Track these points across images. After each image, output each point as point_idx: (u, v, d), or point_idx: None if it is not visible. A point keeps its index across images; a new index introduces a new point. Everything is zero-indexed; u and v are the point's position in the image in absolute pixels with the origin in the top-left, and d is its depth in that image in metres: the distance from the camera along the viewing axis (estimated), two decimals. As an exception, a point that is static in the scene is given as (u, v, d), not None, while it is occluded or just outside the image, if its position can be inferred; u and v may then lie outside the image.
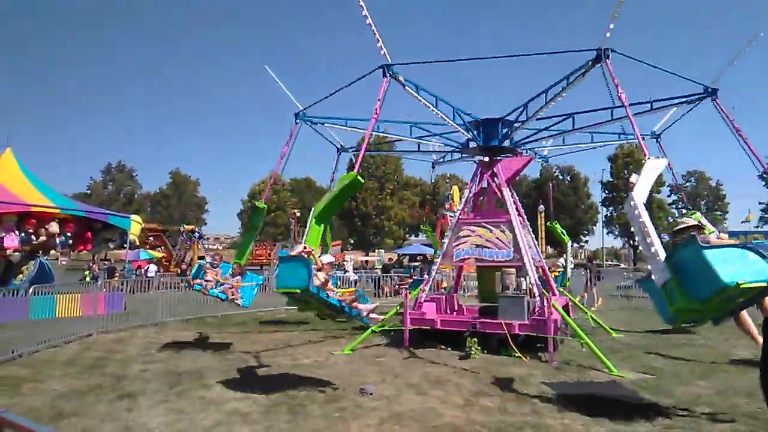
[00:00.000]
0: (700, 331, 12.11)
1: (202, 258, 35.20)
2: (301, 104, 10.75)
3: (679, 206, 71.34)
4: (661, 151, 11.65)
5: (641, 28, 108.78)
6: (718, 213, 69.27)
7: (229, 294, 9.86)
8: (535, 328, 9.02)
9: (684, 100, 9.10)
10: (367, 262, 44.45)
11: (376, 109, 8.27)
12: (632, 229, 6.34)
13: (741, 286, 4.67)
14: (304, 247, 6.63)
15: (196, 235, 37.02)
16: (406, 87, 9.20)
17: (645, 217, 5.85)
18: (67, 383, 6.90)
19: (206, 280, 9.96)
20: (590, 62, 7.89)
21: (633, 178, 6.38)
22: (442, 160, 14.14)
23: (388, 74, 8.55)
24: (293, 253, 6.55)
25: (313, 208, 7.35)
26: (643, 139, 11.59)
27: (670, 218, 68.25)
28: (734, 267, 4.78)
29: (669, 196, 70.12)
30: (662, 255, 5.40)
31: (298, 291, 6.02)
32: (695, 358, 8.79)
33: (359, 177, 7.22)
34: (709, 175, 71.29)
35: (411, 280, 18.90)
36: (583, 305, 14.14)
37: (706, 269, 4.80)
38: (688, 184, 71.75)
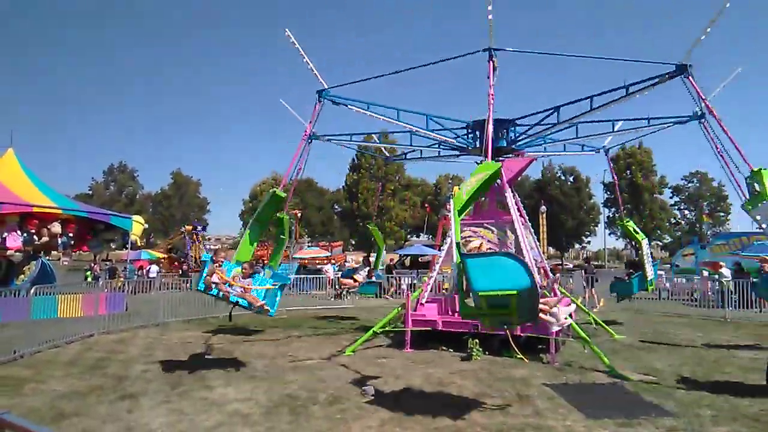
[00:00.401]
0: (702, 332, 12.11)
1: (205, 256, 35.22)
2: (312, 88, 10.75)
3: (682, 207, 71.43)
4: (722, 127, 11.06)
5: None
6: (721, 214, 69.07)
7: (248, 299, 8.44)
8: (536, 329, 8.99)
9: (656, 81, 8.79)
10: (367, 259, 44.38)
11: (306, 129, 9.06)
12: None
13: (481, 295, 4.97)
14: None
15: (199, 228, 36.97)
16: (349, 106, 9.87)
17: (453, 225, 5.86)
18: (69, 384, 6.90)
19: (214, 282, 9.66)
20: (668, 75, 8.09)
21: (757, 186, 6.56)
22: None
23: (321, 99, 9.41)
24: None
25: (453, 200, 7.21)
26: (687, 120, 11.35)
27: (672, 219, 68.22)
28: (485, 275, 4.97)
29: (671, 197, 70.02)
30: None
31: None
32: (697, 360, 8.77)
33: (279, 192, 7.51)
34: (712, 176, 71.10)
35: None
36: (584, 307, 14.11)
37: (468, 278, 5.07)
38: (690, 185, 71.57)
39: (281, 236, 10.66)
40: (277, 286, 8.73)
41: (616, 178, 11.74)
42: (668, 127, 10.78)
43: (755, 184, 7.13)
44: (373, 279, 13.68)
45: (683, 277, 22.27)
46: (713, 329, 12.67)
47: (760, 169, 7.13)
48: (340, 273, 19.17)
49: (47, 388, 6.70)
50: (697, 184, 70.73)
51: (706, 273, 20.34)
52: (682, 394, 6.49)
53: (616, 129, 11.38)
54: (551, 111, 10.18)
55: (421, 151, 13.58)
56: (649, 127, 10.94)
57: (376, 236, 14.24)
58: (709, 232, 60.51)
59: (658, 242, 68.25)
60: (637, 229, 13.49)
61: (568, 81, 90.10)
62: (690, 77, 8.23)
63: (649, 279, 12.61)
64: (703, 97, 8.24)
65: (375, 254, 15.28)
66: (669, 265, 32.92)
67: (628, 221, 13.69)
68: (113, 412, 5.69)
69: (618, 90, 9.02)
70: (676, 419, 5.49)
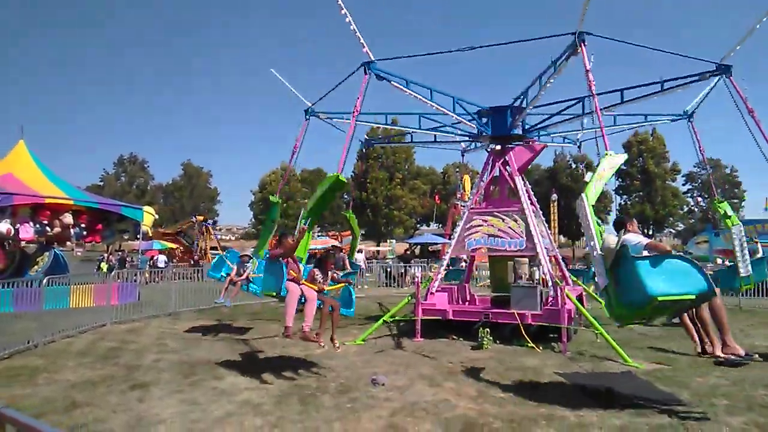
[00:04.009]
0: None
1: (214, 248, 35.35)
2: (311, 98, 10.80)
3: (695, 195, 70.61)
4: (693, 133, 10.98)
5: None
6: (735, 201, 68.24)
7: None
8: (548, 318, 8.93)
9: (695, 78, 8.61)
10: (378, 252, 44.43)
11: (356, 105, 8.51)
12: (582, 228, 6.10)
13: (659, 300, 4.76)
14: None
15: (210, 222, 37.18)
16: (392, 83, 9.36)
17: (591, 218, 5.64)
18: (81, 373, 6.96)
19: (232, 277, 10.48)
20: (568, 48, 7.71)
21: (587, 176, 6.16)
22: (470, 148, 13.94)
23: (368, 72, 8.87)
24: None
25: (302, 211, 7.36)
26: (674, 120, 11.33)
27: (684, 207, 67.49)
28: (662, 279, 4.83)
29: (684, 184, 69.24)
30: (600, 259, 5.43)
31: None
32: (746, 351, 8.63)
33: (341, 177, 7.31)
34: (726, 162, 70.18)
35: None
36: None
37: (636, 280, 4.86)
38: (703, 171, 70.70)
39: (271, 218, 10.85)
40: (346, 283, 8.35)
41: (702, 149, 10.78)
42: (688, 85, 9.93)
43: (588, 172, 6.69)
44: (349, 269, 12.22)
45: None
46: (728, 317, 12.47)
47: (606, 153, 6.29)
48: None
49: (60, 377, 6.76)
50: (710, 171, 69.81)
51: (719, 261, 20.11)
52: (697, 383, 6.40)
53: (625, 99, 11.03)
54: (575, 101, 10.04)
55: (435, 137, 13.39)
56: (663, 93, 10.33)
57: (353, 224, 13.27)
58: (722, 220, 59.78)
59: (671, 230, 67.68)
60: (730, 212, 10.57)
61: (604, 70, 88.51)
62: (731, 78, 8.16)
63: (745, 275, 9.95)
64: (744, 97, 8.11)
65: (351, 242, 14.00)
66: (681, 253, 32.63)
67: (722, 202, 10.75)
68: (124, 401, 5.72)
69: (652, 84, 8.88)
70: (690, 408, 5.41)
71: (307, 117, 11.04)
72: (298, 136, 10.92)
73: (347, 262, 12.57)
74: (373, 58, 8.89)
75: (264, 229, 11.17)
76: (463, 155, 14.58)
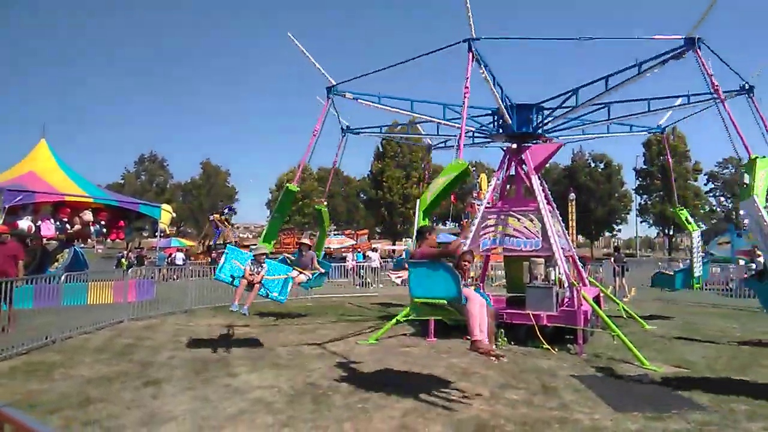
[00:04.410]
0: (737, 323, 11.72)
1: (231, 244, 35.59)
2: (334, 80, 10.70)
3: (717, 194, 69.29)
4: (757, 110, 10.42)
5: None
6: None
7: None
8: (564, 319, 8.81)
9: (668, 56, 8.27)
10: (394, 251, 44.41)
11: (466, 86, 7.90)
12: (757, 238, 6.13)
13: (416, 301, 5.71)
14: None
15: (225, 211, 37.41)
16: (359, 100, 10.25)
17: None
18: (97, 369, 7.03)
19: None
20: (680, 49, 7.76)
21: (746, 178, 6.21)
22: (442, 145, 14.08)
23: (330, 96, 9.85)
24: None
25: (419, 202, 6.89)
26: (727, 98, 10.94)
27: (707, 207, 66.27)
28: (422, 283, 5.70)
29: (706, 184, 67.99)
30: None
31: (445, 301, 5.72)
32: (732, 352, 8.46)
33: (291, 187, 7.48)
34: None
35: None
36: (615, 296, 13.80)
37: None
38: (725, 171, 69.38)
39: (284, 205, 10.57)
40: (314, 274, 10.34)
41: (670, 160, 10.59)
42: (662, 64, 9.88)
43: (746, 175, 6.61)
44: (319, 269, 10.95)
45: (718, 267, 21.57)
46: (749, 320, 12.24)
47: (756, 157, 6.55)
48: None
49: (76, 373, 6.84)
50: (733, 170, 68.50)
51: (742, 262, 19.69)
52: (716, 387, 6.24)
53: (657, 108, 10.89)
54: (569, 94, 9.92)
55: (456, 139, 13.45)
56: (641, 75, 10.17)
57: (325, 218, 12.20)
58: (745, 220, 58.61)
59: (692, 230, 66.43)
60: (691, 219, 12.72)
61: (593, 64, 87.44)
62: (698, 51, 7.85)
63: (696, 276, 11.79)
64: (710, 72, 7.79)
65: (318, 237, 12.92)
66: (703, 254, 32.01)
67: (681, 209, 12.89)
68: (138, 398, 5.76)
69: (631, 68, 8.73)
70: (709, 414, 5.28)
71: (330, 96, 10.46)
72: (320, 117, 10.27)
73: (316, 261, 10.97)
74: (333, 82, 9.88)
75: (275, 219, 10.47)
76: (429, 151, 14.79)
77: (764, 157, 6.42)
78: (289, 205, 10.41)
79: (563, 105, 10.20)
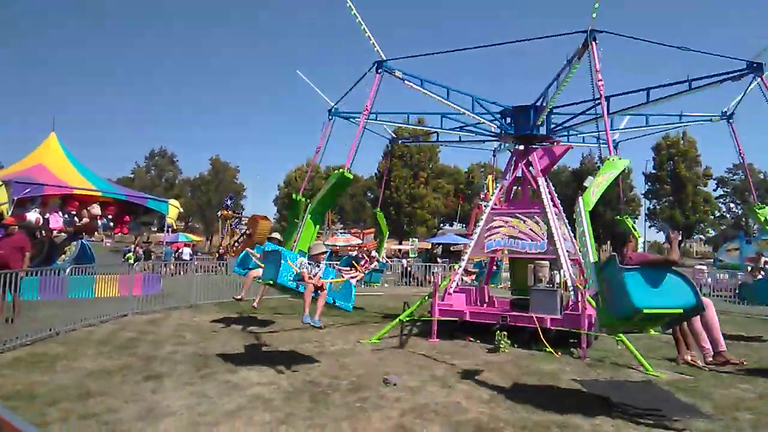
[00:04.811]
0: (745, 331, 11.57)
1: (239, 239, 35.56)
2: (336, 94, 10.86)
3: (727, 200, 68.64)
4: (733, 135, 10.45)
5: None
6: (769, 207, 66.03)
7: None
8: (568, 323, 8.74)
9: (725, 77, 8.27)
10: (400, 250, 44.32)
11: (367, 105, 8.52)
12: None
13: (646, 312, 4.75)
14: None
15: (228, 202, 37.59)
16: (406, 81, 9.37)
17: (587, 224, 5.64)
18: (98, 362, 7.06)
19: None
20: (580, 46, 7.48)
21: (587, 180, 6.06)
22: (500, 148, 13.91)
23: (380, 71, 8.99)
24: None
25: (582, 200, 6.89)
26: (710, 120, 10.94)
27: (716, 212, 65.67)
28: (649, 291, 4.80)
29: (715, 189, 67.34)
30: (593, 267, 5.41)
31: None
32: (738, 359, 8.34)
33: (346, 174, 7.69)
34: (758, 167, 67.94)
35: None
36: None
37: (623, 291, 4.81)
38: (735, 177, 68.69)
39: (294, 217, 10.63)
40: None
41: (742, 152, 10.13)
42: (718, 84, 9.73)
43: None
44: (377, 266, 13.72)
45: (726, 273, 21.36)
46: (757, 328, 12.09)
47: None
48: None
49: (78, 365, 6.86)
50: (742, 176, 67.81)
51: (750, 269, 19.49)
52: (721, 395, 6.17)
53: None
54: (597, 101, 9.76)
55: (459, 137, 13.34)
56: (691, 92, 10.05)
57: (382, 223, 14.19)
58: (755, 227, 58.07)
59: (701, 236, 65.93)
60: (635, 227, 12.22)
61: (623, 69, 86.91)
62: (762, 77, 7.86)
63: None
64: None
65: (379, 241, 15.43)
66: (711, 260, 31.76)
67: (625, 217, 11.97)
68: (137, 392, 5.77)
69: (680, 84, 8.60)
70: (712, 422, 5.20)
71: (331, 117, 11.16)
72: (322, 136, 10.98)
73: (375, 260, 13.52)
74: (384, 57, 8.97)
75: (289, 227, 10.60)
76: (494, 155, 14.53)
77: (615, 159, 6.24)
78: (298, 216, 9.78)
79: (587, 111, 10.00)
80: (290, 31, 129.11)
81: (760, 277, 15.49)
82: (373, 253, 14.04)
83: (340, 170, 8.06)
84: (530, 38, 8.95)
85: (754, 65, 7.86)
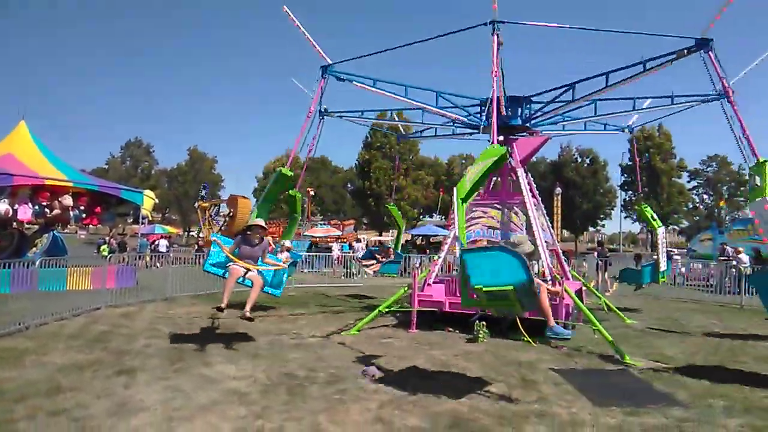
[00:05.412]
0: (717, 319, 11.82)
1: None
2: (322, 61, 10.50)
3: (700, 191, 70.10)
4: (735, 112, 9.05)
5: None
6: (741, 199, 67.61)
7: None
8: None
9: (674, 56, 8.19)
10: (380, 242, 44.31)
11: (311, 107, 9.05)
12: None
13: (483, 290, 5.15)
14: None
15: (203, 192, 37.23)
16: (355, 83, 9.77)
17: (459, 212, 5.83)
18: (69, 357, 6.86)
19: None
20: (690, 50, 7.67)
21: (757, 180, 6.44)
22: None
23: (325, 75, 9.44)
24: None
25: (456, 189, 6.79)
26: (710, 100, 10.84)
27: (690, 204, 67.05)
28: (483, 270, 5.18)
29: (689, 181, 68.71)
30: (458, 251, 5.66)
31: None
32: (711, 348, 8.51)
33: (285, 171, 7.50)
34: (731, 159, 69.42)
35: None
36: (597, 291, 13.86)
37: (465, 272, 5.28)
38: (709, 169, 70.14)
39: (294, 214, 10.70)
40: (288, 263, 9.42)
41: (637, 159, 11.24)
42: (693, 106, 10.25)
43: (757, 177, 6.77)
44: (392, 258, 13.92)
45: (699, 263, 21.82)
46: (729, 317, 12.36)
47: (765, 160, 6.76)
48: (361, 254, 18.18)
49: (48, 360, 6.67)
50: (716, 168, 69.33)
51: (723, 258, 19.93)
52: (694, 383, 6.26)
53: (639, 107, 10.85)
54: (566, 88, 9.80)
55: (435, 129, 13.33)
56: (672, 106, 10.43)
57: (396, 216, 14.35)
58: (727, 218, 59.49)
59: (675, 227, 67.28)
60: (655, 216, 12.88)
61: (588, 58, 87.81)
62: (710, 53, 7.80)
63: (661, 270, 11.98)
64: (722, 75, 7.78)
65: (396, 234, 16.08)
66: (685, 250, 32.41)
67: (645, 206, 12.92)
68: (109, 386, 5.62)
69: (635, 66, 8.61)
70: (687, 410, 5.28)
71: (325, 75, 10.08)
72: (315, 95, 10.06)
73: (392, 252, 14.07)
74: (330, 62, 9.47)
75: (263, 203, 10.14)
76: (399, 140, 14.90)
77: (495, 147, 6.34)
78: (279, 192, 10.19)
79: (557, 99, 10.10)
80: (271, 13, 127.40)
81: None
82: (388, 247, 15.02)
83: (280, 168, 8.50)
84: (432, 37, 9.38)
85: (702, 41, 7.85)
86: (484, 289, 5.15)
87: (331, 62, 9.92)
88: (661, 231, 12.43)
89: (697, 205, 69.50)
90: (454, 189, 5.89)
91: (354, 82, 10.21)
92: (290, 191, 10.31)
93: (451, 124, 12.19)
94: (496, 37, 7.87)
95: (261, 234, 8.32)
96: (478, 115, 11.22)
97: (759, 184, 6.69)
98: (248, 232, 8.22)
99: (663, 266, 12.10)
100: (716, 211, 63.36)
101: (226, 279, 7.82)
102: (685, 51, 7.98)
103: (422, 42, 9.71)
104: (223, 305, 7.39)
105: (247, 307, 7.50)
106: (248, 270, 7.91)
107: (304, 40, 9.73)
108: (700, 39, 7.84)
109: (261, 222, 8.46)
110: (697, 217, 66.90)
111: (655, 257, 12.36)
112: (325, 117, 11.38)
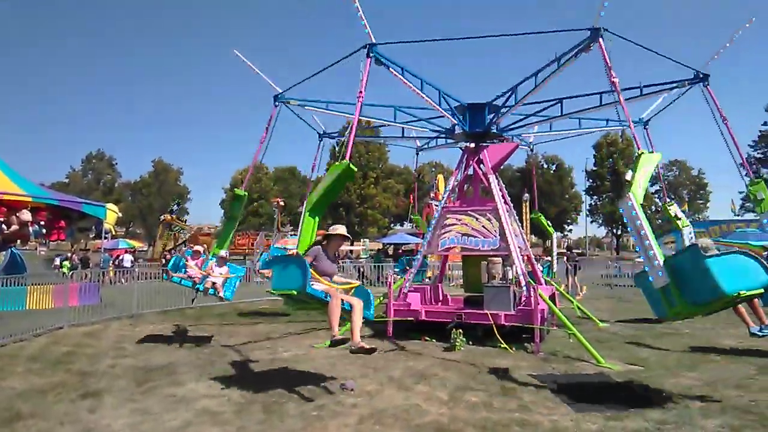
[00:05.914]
0: (687, 320, 12.04)
1: (181, 245, 34.45)
2: (282, 86, 10.34)
3: (662, 196, 72.32)
4: (648, 139, 11.34)
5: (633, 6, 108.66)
6: (700, 202, 70.03)
7: (210, 286, 9.46)
8: (521, 318, 8.79)
9: (674, 85, 8.89)
10: (351, 251, 44.04)
11: (360, 91, 7.80)
12: (628, 229, 6.16)
13: (742, 295, 4.94)
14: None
15: (174, 208, 36.55)
16: (391, 69, 8.85)
17: (642, 217, 5.60)
18: (29, 381, 6.50)
19: (188, 273, 9.51)
20: (585, 42, 7.51)
21: (628, 175, 6.07)
22: (426, 146, 13.91)
23: (372, 55, 8.15)
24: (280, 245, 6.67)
25: (305, 202, 6.77)
26: (630, 124, 11.40)
27: (653, 207, 68.91)
28: (735, 275, 4.91)
29: (652, 185, 70.67)
30: (660, 259, 5.29)
31: (295, 292, 5.69)
32: (682, 348, 8.64)
33: (351, 165, 6.74)
34: (691, 164, 71.98)
35: None
36: (568, 294, 14.00)
37: (708, 277, 4.85)
38: (670, 173, 72.40)
39: (232, 217, 10.39)
40: (236, 276, 10.01)
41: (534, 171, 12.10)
42: (666, 92, 10.04)
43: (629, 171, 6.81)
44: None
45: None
46: (698, 317, 12.59)
47: (642, 152, 6.48)
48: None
49: (6, 385, 6.30)
50: (677, 173, 71.59)
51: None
52: (670, 384, 6.31)
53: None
54: (554, 102, 10.10)
55: (402, 129, 13.25)
56: (642, 98, 10.33)
57: (422, 226, 15.37)
58: (689, 220, 61.32)
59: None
60: (549, 223, 15.27)
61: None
62: (708, 87, 8.48)
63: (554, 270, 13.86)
64: (610, 65, 7.56)
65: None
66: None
67: (539, 214, 15.07)
68: (73, 411, 5.32)
69: (632, 89, 9.12)
70: (665, 412, 5.30)
71: (276, 104, 10.25)
72: (267, 126, 10.18)
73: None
74: (374, 40, 8.15)
75: (228, 224, 10.95)
76: (417, 154, 14.41)
77: (651, 152, 6.38)
78: (239, 210, 10.31)
79: (506, 104, 10.17)
80: (231, 21, 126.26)
81: None
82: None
83: (345, 162, 6.70)
84: (531, 32, 9.06)
85: (702, 75, 8.36)
86: (743, 294, 4.92)
87: (280, 91, 10.20)
88: (555, 236, 13.58)
89: (659, 209, 71.61)
90: (630, 194, 5.80)
91: (307, 107, 10.75)
92: (235, 189, 10.26)
93: (427, 126, 12.13)
94: (369, 60, 7.96)
95: (341, 243, 6.76)
96: (461, 121, 11.14)
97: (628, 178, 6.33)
98: (326, 242, 6.47)
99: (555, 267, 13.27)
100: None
101: (327, 302, 6.10)
102: (686, 82, 8.78)
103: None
104: (342, 336, 5.92)
105: (358, 336, 5.87)
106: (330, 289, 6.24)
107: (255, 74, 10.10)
108: (700, 73, 8.65)
109: (343, 231, 6.60)
110: (660, 221, 68.83)
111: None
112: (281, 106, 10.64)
